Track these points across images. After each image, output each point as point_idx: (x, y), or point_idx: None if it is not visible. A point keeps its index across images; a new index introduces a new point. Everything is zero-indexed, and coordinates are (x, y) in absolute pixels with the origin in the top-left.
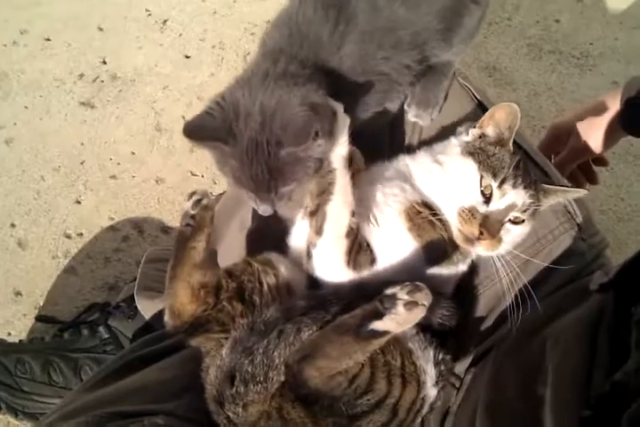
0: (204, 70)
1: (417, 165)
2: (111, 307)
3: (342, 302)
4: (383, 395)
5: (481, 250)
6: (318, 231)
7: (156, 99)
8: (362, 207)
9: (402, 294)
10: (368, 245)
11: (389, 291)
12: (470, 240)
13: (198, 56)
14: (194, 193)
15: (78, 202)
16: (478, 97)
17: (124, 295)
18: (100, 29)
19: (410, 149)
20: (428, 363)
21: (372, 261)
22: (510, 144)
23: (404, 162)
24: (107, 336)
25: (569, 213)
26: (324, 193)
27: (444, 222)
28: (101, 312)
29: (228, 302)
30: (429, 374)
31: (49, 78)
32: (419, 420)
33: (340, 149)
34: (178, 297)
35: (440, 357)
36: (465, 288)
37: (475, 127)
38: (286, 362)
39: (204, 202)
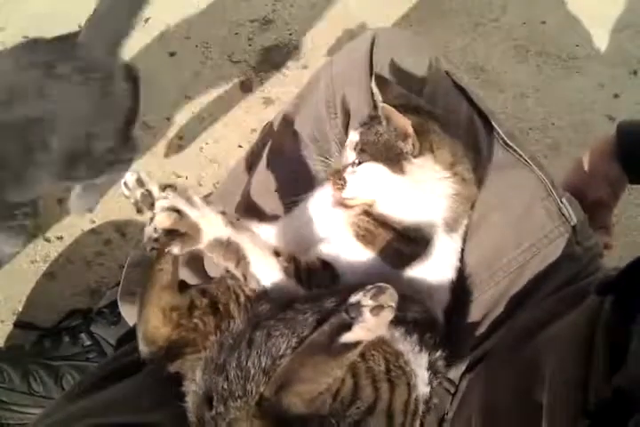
0: (188, 69)
1: None
2: (93, 313)
3: (309, 299)
4: (372, 401)
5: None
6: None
7: (141, 97)
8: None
9: (365, 300)
10: (325, 264)
11: (353, 299)
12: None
13: (182, 53)
14: (172, 187)
15: (59, 203)
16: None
17: (107, 301)
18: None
19: None
20: (420, 367)
21: (333, 277)
22: None
23: None
24: (89, 343)
25: (563, 215)
26: (239, 260)
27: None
28: (83, 318)
29: (199, 320)
30: (421, 376)
31: None
32: (417, 422)
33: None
34: (150, 322)
35: (434, 359)
36: (459, 294)
37: None
38: (262, 396)
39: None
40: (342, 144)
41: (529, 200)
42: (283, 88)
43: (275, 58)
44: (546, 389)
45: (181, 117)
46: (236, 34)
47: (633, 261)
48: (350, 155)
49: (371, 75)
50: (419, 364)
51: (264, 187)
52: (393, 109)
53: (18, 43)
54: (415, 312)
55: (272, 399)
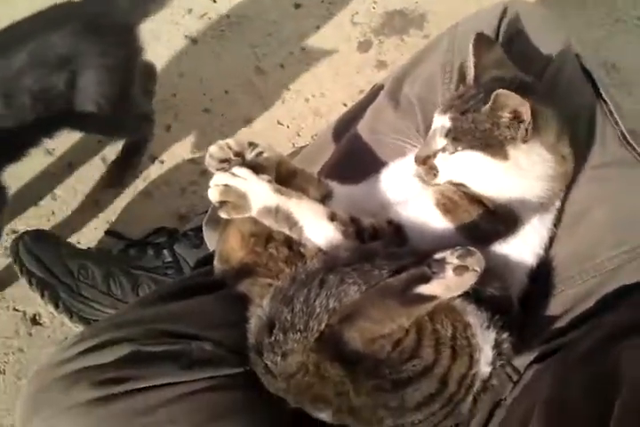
0: (310, 23)
1: None
2: (179, 234)
3: (391, 257)
4: (430, 363)
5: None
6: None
7: (259, 44)
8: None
9: (452, 258)
10: (395, 227)
11: (439, 255)
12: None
13: (307, 7)
14: (256, 145)
15: (167, 129)
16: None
17: (194, 225)
18: None
19: None
20: (486, 343)
21: (401, 242)
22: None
23: None
24: (170, 260)
25: None
26: (292, 226)
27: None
28: (169, 237)
29: (275, 249)
30: (485, 353)
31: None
32: (470, 397)
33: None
34: (228, 243)
35: (501, 339)
36: (542, 284)
37: None
38: (327, 322)
39: (266, 155)
40: None
41: None
42: (399, 54)
43: (397, 23)
44: (621, 392)
45: (294, 68)
46: None
47: None
48: (440, 141)
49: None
50: (485, 340)
51: (354, 151)
52: (511, 94)
53: None
54: (494, 289)
55: (335, 327)
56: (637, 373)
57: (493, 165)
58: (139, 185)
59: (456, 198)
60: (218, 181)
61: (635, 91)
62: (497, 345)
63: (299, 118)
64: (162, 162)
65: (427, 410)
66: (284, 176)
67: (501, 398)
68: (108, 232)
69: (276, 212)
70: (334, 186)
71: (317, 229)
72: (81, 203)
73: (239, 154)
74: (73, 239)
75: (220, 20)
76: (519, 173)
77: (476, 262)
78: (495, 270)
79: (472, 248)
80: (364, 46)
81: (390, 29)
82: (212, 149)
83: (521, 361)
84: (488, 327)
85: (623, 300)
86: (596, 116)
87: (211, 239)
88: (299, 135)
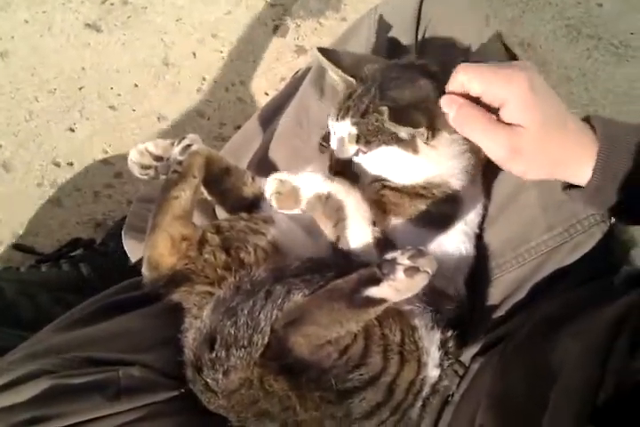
0: (221, 7)
1: None
2: (97, 244)
3: (340, 267)
4: (378, 371)
5: None
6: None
7: (167, 31)
8: None
9: (402, 258)
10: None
11: (390, 255)
12: None
13: None
14: (183, 138)
15: (72, 130)
16: None
17: (112, 234)
18: None
19: None
20: (432, 344)
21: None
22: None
23: None
24: (88, 274)
25: None
26: (338, 221)
27: None
28: (85, 248)
29: (211, 255)
30: (432, 355)
31: None
32: (419, 403)
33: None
34: (157, 248)
35: (446, 339)
36: (481, 272)
37: None
38: (272, 327)
39: (194, 148)
40: None
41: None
42: (318, 38)
43: (313, 6)
44: (556, 387)
45: (207, 56)
46: None
47: None
48: (352, 148)
49: (417, 25)
50: (431, 341)
51: (281, 144)
52: (405, 118)
53: None
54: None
55: (279, 333)
56: (570, 362)
57: (409, 156)
58: (46, 192)
59: (397, 200)
60: (274, 176)
61: (548, 69)
62: (443, 345)
63: (219, 109)
64: (70, 165)
65: (375, 419)
66: (217, 175)
67: (449, 394)
68: (16, 246)
69: (326, 199)
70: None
71: (360, 230)
72: None
73: (161, 157)
74: None
75: (124, 6)
76: (436, 160)
77: (428, 263)
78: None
79: (423, 248)
80: (281, 30)
81: (306, 12)
82: (132, 154)
83: (466, 354)
84: (433, 328)
85: (559, 284)
86: None
87: (132, 250)
88: (220, 127)
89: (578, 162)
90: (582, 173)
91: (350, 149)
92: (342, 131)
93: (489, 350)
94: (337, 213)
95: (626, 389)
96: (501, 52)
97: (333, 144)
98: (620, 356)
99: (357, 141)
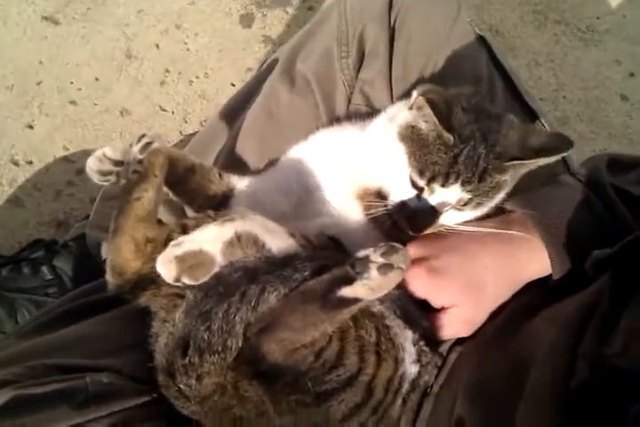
0: None
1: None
2: (58, 245)
3: (315, 260)
4: (355, 371)
5: None
6: None
7: (129, 22)
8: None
9: (375, 256)
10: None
11: (362, 253)
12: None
13: None
14: (143, 135)
15: (30, 126)
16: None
17: (75, 234)
18: None
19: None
20: (406, 340)
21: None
22: (445, 134)
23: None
24: (50, 277)
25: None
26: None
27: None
28: (47, 250)
29: None
30: (408, 351)
31: None
32: (399, 401)
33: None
34: (120, 253)
35: (419, 333)
36: None
37: (410, 108)
38: (244, 334)
39: (155, 146)
40: (351, 87)
41: None
42: (284, 28)
43: None
44: (532, 372)
45: (171, 47)
46: None
47: (628, 240)
48: (454, 214)
49: (389, 11)
50: (406, 337)
51: (250, 138)
52: None
53: None
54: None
55: (252, 340)
56: (545, 348)
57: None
58: (5, 192)
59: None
60: (166, 257)
61: (517, 54)
62: (417, 341)
63: (184, 103)
64: (29, 163)
65: (355, 420)
66: (181, 174)
67: (429, 385)
68: None
69: (238, 239)
70: (234, 180)
71: (285, 245)
72: None
73: (121, 162)
74: None
75: None
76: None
77: (401, 259)
78: None
79: (396, 244)
80: (247, 20)
81: (272, 1)
82: (90, 161)
83: (444, 345)
84: (405, 327)
85: None
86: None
87: (104, 247)
88: (186, 122)
89: (527, 266)
90: (538, 263)
91: (449, 216)
92: (449, 196)
93: (466, 339)
94: (256, 245)
95: (600, 374)
96: (470, 35)
97: (423, 210)
98: (591, 340)
99: (466, 204)
